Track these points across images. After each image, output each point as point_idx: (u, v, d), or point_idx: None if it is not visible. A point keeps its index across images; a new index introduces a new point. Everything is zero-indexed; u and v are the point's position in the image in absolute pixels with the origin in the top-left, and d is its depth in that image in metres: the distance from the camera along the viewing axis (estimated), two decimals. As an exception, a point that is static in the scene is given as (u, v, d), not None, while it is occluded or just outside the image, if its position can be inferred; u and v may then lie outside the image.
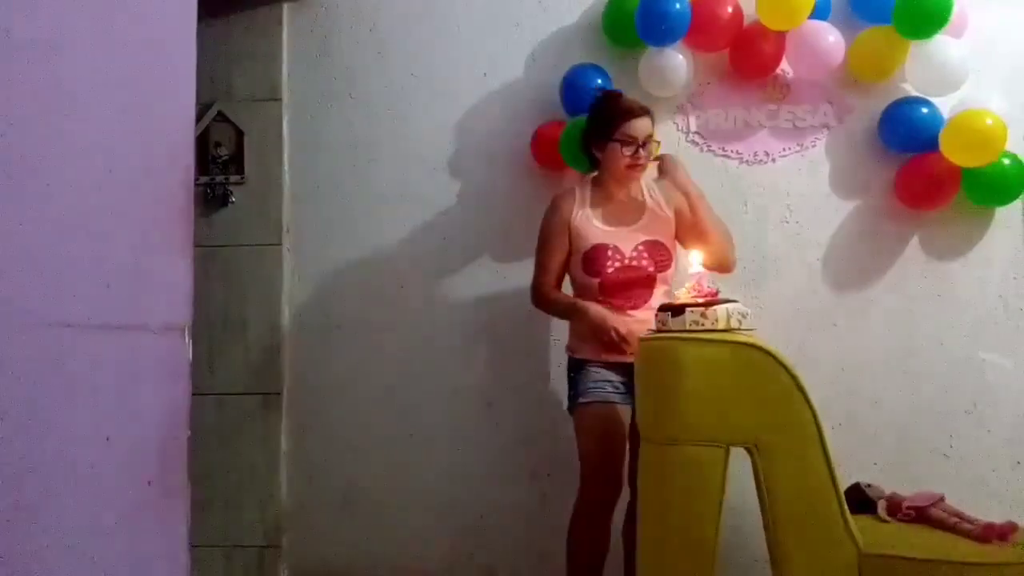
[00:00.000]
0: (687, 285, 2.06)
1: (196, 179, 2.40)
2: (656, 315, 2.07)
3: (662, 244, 2.39)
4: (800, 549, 1.81)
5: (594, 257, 2.36)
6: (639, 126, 2.33)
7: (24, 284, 1.23)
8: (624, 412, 2.32)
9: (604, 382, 2.33)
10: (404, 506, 2.88)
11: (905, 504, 1.95)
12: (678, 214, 2.41)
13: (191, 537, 1.56)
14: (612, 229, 2.37)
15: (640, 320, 2.31)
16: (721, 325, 1.92)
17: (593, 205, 2.41)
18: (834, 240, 2.73)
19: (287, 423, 2.95)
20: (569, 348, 2.47)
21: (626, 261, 2.35)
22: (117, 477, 1.40)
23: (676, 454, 1.87)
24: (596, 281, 2.36)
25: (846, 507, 1.82)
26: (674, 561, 1.86)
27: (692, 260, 2.12)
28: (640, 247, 2.36)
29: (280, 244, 2.97)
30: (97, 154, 1.39)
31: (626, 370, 2.30)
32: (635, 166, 2.35)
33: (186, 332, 1.56)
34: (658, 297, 2.37)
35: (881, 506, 1.98)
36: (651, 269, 2.37)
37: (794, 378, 1.84)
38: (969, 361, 2.64)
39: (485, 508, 2.84)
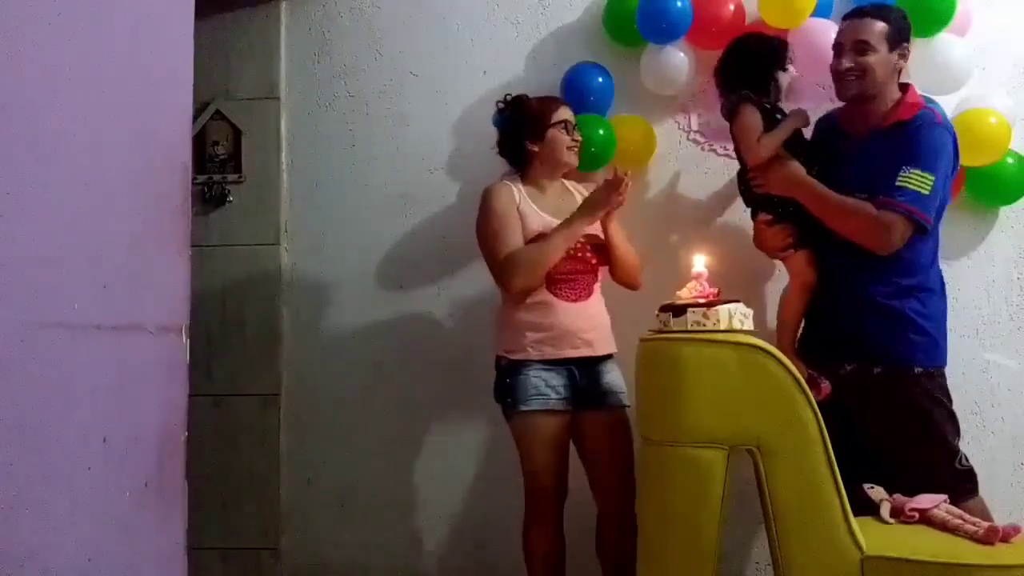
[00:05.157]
0: (689, 285, 2.04)
1: (193, 178, 2.40)
2: (657, 315, 2.06)
3: (599, 238, 2.40)
4: (802, 551, 1.80)
5: None
6: (567, 111, 2.43)
7: (20, 285, 1.22)
8: (565, 419, 2.31)
9: (547, 388, 2.30)
10: (403, 507, 2.87)
11: (908, 506, 1.94)
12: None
13: (188, 538, 1.55)
14: (554, 220, 2.36)
15: (587, 313, 2.34)
16: (723, 325, 1.91)
17: (530, 198, 2.41)
18: (836, 240, 2.70)
19: (285, 424, 2.93)
20: (504, 349, 2.38)
21: (571, 252, 2.34)
22: (114, 478, 1.39)
23: (677, 455, 1.85)
24: None
25: (849, 509, 1.80)
26: (675, 564, 1.85)
27: (695, 260, 2.10)
28: (582, 239, 2.36)
29: (278, 244, 2.95)
30: (93, 153, 1.38)
31: (568, 371, 2.31)
32: (575, 148, 2.43)
33: (183, 332, 1.55)
34: (597, 292, 2.40)
35: (884, 508, 1.96)
36: (593, 262, 2.38)
37: (796, 379, 1.83)
38: (973, 362, 2.62)
39: (485, 509, 2.82)
